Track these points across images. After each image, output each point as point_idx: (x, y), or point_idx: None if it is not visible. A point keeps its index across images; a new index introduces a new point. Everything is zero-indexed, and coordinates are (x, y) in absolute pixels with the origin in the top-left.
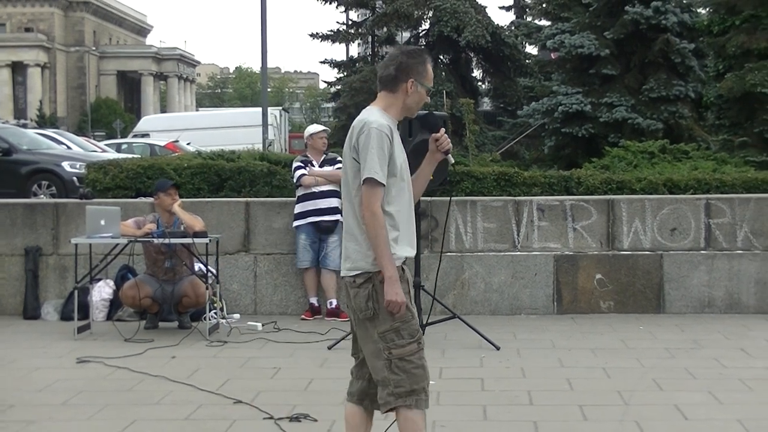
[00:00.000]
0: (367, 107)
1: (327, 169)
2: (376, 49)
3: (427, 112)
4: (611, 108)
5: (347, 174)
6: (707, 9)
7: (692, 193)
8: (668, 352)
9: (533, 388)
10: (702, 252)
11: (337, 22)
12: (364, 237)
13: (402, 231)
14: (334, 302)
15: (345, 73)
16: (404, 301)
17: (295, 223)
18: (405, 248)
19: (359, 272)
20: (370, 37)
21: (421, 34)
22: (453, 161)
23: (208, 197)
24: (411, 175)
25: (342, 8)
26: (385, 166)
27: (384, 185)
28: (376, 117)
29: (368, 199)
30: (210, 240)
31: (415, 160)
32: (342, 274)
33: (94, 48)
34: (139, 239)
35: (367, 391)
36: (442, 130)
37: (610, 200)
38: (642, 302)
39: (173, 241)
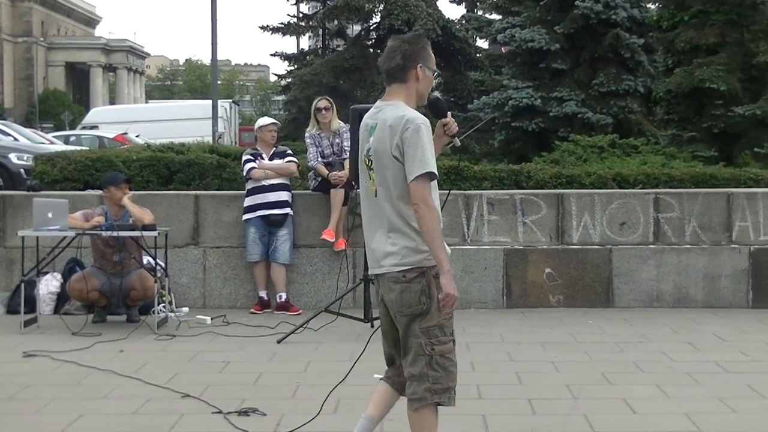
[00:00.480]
0: (388, 103)
1: (277, 162)
2: (326, 42)
3: (435, 97)
4: (561, 102)
5: (386, 173)
6: (657, 4)
7: (641, 188)
8: (617, 346)
9: (482, 382)
10: (651, 246)
11: (288, 15)
12: (415, 232)
13: None
14: (284, 296)
15: (295, 66)
16: (458, 297)
17: (245, 217)
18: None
19: (410, 267)
20: (320, 29)
21: (371, 27)
22: (459, 144)
23: (157, 190)
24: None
25: (293, 1)
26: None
27: (437, 178)
28: (413, 112)
29: (424, 193)
30: (159, 233)
31: None
32: (382, 271)
33: (42, 39)
34: (87, 232)
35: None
36: (449, 114)
37: (560, 194)
38: (591, 296)
39: (122, 233)
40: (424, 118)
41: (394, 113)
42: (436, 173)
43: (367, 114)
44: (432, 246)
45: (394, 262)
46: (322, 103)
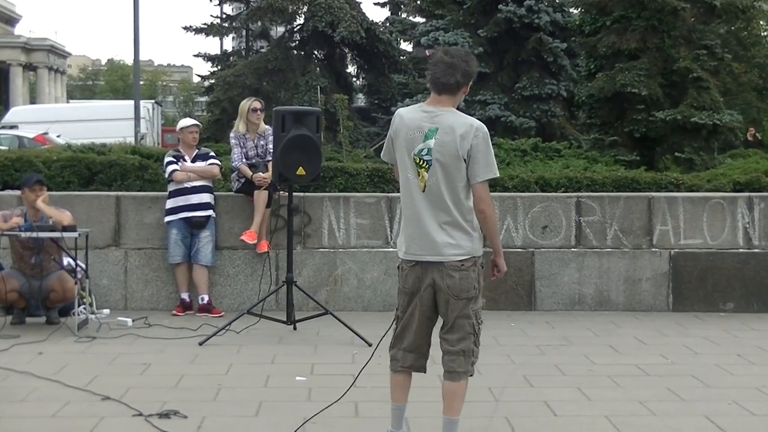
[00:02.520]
0: (443, 110)
1: (199, 164)
2: (250, 44)
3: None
4: (485, 105)
5: (451, 172)
6: (579, 9)
7: (563, 191)
8: (539, 348)
9: None
10: (572, 250)
11: (211, 16)
12: (473, 227)
13: None
14: (206, 298)
15: (219, 67)
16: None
17: (167, 219)
18: None
19: (468, 257)
20: (244, 31)
21: (295, 29)
22: None
23: (78, 191)
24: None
25: (216, 1)
26: None
27: None
28: (475, 120)
29: (488, 195)
30: (79, 234)
31: (287, 155)
32: (442, 260)
33: None
34: (5, 233)
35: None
36: None
37: None
38: (514, 299)
39: (41, 235)
40: (486, 127)
41: (460, 120)
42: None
43: (417, 117)
44: (494, 237)
45: (455, 252)
46: (257, 104)
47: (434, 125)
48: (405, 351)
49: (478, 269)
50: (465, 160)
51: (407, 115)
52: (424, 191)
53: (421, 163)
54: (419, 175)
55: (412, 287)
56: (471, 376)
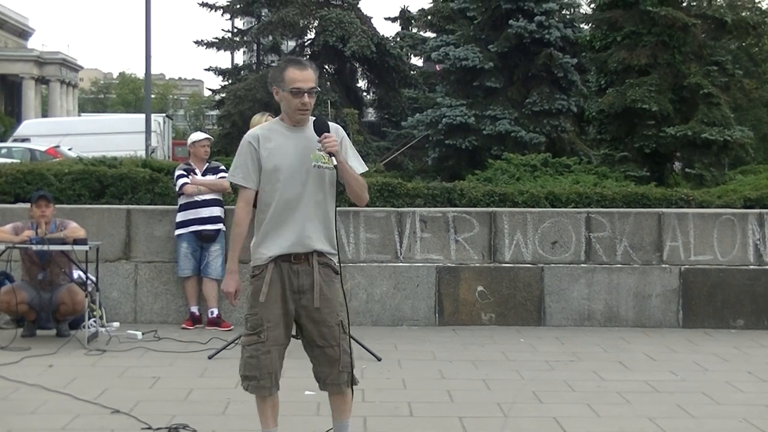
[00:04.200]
0: None
1: (210, 177)
2: (261, 58)
3: (316, 116)
4: (494, 121)
5: None
6: (589, 24)
7: (573, 207)
8: (548, 364)
9: (414, 400)
10: (582, 265)
11: (223, 30)
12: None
13: None
14: (215, 311)
15: (229, 81)
16: (230, 292)
17: (177, 232)
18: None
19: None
20: (255, 45)
21: (306, 44)
22: (334, 163)
23: (89, 204)
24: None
25: (227, 16)
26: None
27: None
28: (253, 129)
29: (238, 201)
30: (90, 247)
31: None
32: None
33: None
34: (16, 245)
35: None
36: (326, 134)
37: (493, 212)
38: (523, 314)
39: (53, 248)
40: (251, 133)
41: None
42: (237, 182)
43: None
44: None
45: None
46: (271, 117)
47: None
48: None
49: (248, 278)
50: None
51: None
52: None
53: None
54: None
55: None
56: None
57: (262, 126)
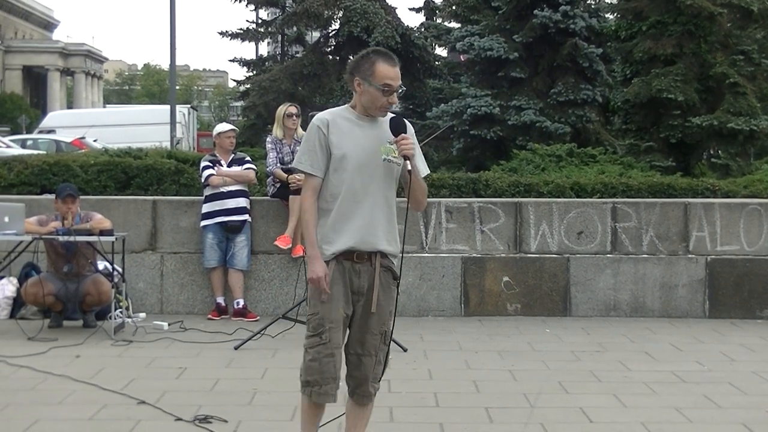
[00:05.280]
0: None
1: (235, 169)
2: (285, 49)
3: (394, 116)
4: (519, 111)
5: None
6: (615, 14)
7: (599, 197)
8: (574, 354)
9: (440, 390)
10: (608, 255)
11: (247, 21)
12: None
13: None
14: (241, 302)
15: (254, 72)
16: (319, 276)
17: (203, 223)
18: None
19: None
20: (279, 36)
21: (330, 34)
22: (409, 167)
23: (115, 195)
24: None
25: (252, 7)
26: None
27: (315, 176)
28: (324, 112)
29: (303, 189)
30: (116, 238)
31: None
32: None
33: None
34: (43, 236)
35: None
36: (403, 135)
37: (518, 203)
38: (548, 305)
39: (79, 239)
40: (321, 116)
41: None
42: (304, 169)
43: None
44: (305, 235)
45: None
46: (293, 109)
47: None
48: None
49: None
50: None
51: None
52: None
53: None
54: None
55: None
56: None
57: (330, 111)
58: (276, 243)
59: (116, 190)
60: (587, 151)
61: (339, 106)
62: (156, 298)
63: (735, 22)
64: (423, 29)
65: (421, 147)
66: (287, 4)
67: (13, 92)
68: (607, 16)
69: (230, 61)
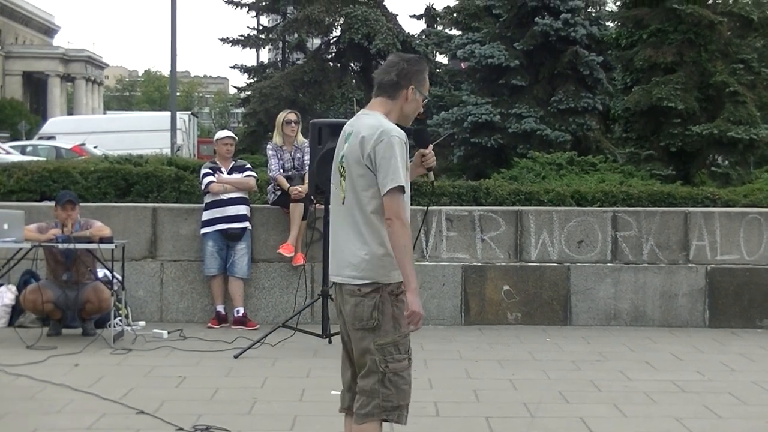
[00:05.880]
0: (368, 113)
1: (236, 176)
2: (286, 55)
3: (420, 126)
4: (520, 119)
5: (355, 183)
6: (615, 22)
7: (599, 206)
8: (574, 364)
9: (440, 399)
10: (608, 264)
11: (248, 27)
12: (378, 247)
13: None
14: (241, 310)
15: (255, 79)
16: (423, 315)
17: (203, 230)
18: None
19: (366, 282)
20: (280, 42)
21: (331, 41)
22: (433, 179)
23: (115, 202)
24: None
25: (253, 13)
26: (407, 174)
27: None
28: (389, 124)
29: (398, 207)
30: (116, 246)
31: (324, 167)
32: (341, 281)
33: None
34: (43, 244)
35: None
36: (431, 146)
37: (518, 211)
38: (549, 314)
39: (79, 246)
40: (401, 131)
41: (371, 123)
42: (405, 187)
43: (348, 122)
44: (401, 262)
45: (353, 274)
46: (292, 116)
47: (352, 128)
48: (343, 389)
49: (384, 297)
50: (369, 167)
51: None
52: (342, 203)
53: (341, 170)
54: (341, 185)
55: (336, 312)
56: (389, 421)
57: (389, 121)
58: (280, 251)
59: (116, 197)
60: (588, 159)
61: (339, 113)
62: (156, 306)
63: (735, 31)
64: (424, 36)
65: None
66: (288, 11)
67: (13, 98)
68: (607, 24)
69: (231, 67)
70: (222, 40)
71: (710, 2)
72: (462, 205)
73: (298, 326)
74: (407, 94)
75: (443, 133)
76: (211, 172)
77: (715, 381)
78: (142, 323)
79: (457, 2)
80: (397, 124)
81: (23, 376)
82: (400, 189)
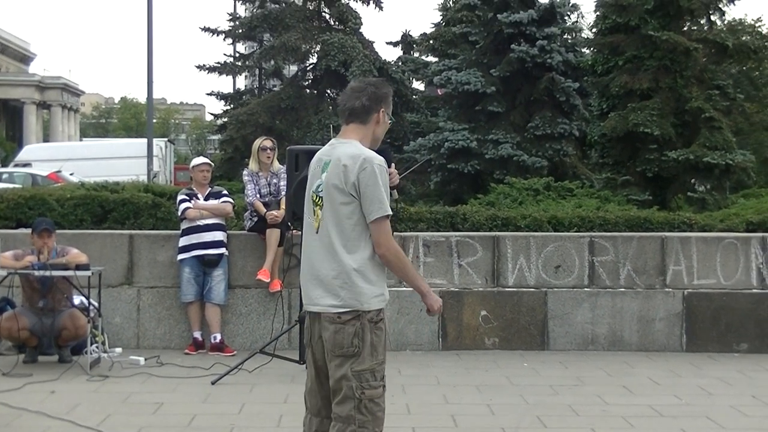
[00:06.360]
0: (343, 141)
1: (212, 202)
2: (263, 82)
3: (383, 146)
4: (497, 145)
5: (338, 211)
6: (591, 49)
7: (576, 231)
8: (552, 388)
9: (417, 425)
10: (585, 289)
11: (225, 54)
12: (366, 276)
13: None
14: (219, 336)
15: (231, 106)
16: (441, 305)
17: (180, 257)
18: None
19: (346, 309)
20: (257, 69)
21: (308, 68)
22: (397, 196)
23: (91, 229)
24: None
25: (229, 40)
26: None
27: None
28: (369, 152)
29: (387, 234)
30: (92, 273)
31: (301, 194)
32: (320, 310)
33: None
34: (19, 271)
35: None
36: (393, 165)
37: (496, 237)
38: (526, 339)
39: (54, 273)
40: (381, 158)
41: (351, 151)
42: (390, 216)
43: (320, 150)
44: (407, 278)
45: (333, 303)
46: (268, 143)
47: (329, 158)
48: (309, 415)
49: (364, 325)
50: (354, 195)
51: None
52: (317, 233)
53: (317, 200)
54: (315, 214)
55: (307, 339)
56: None
57: (367, 149)
58: (258, 277)
59: (93, 224)
60: (564, 184)
61: (316, 139)
62: (132, 333)
63: (710, 57)
64: (400, 63)
65: (400, 180)
66: (265, 38)
67: None
68: (583, 50)
69: (207, 94)
70: (198, 67)
71: (685, 29)
72: (439, 231)
73: (275, 352)
74: (378, 117)
75: (420, 159)
76: (188, 198)
77: (693, 405)
78: (118, 350)
79: (433, 29)
80: (370, 148)
81: None
82: (387, 217)
